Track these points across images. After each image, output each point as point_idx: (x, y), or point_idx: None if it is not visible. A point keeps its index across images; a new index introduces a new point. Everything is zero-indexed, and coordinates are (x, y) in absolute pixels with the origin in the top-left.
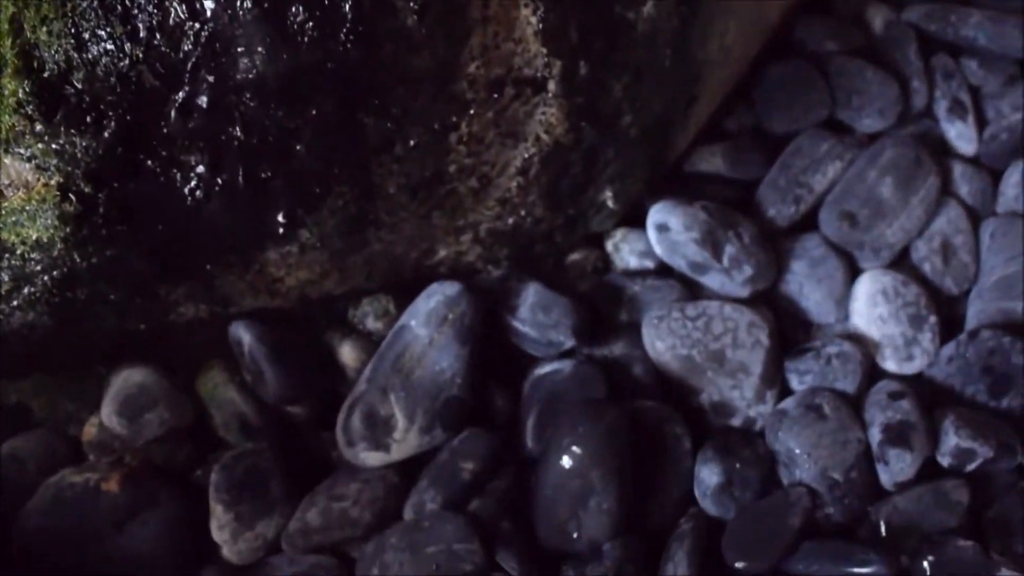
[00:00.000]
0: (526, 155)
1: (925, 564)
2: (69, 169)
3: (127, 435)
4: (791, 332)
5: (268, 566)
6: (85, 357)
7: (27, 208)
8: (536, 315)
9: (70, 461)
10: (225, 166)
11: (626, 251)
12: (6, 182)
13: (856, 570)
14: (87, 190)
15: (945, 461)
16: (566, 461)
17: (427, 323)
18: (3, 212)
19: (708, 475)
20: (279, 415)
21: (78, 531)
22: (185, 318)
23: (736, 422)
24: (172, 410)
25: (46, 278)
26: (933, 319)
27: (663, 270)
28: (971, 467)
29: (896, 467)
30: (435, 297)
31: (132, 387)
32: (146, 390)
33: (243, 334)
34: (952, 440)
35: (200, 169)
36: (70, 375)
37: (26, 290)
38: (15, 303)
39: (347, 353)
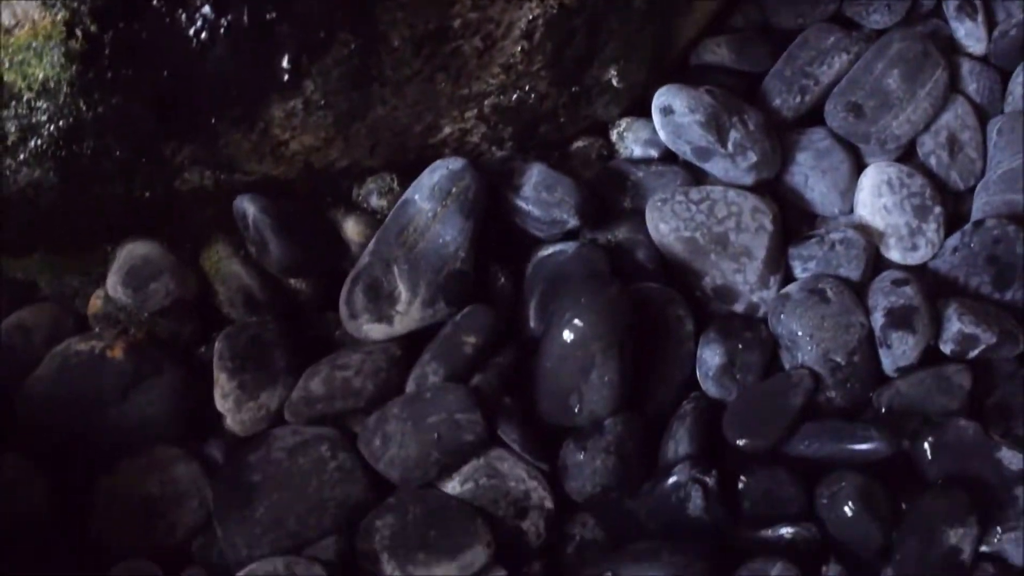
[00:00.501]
0: (531, 16)
1: (925, 445)
2: (75, 6)
3: (132, 305)
4: (795, 224)
5: (271, 437)
6: (91, 232)
7: (33, 45)
8: (540, 193)
9: (76, 333)
10: (230, 7)
11: (630, 139)
12: (12, 21)
13: (856, 447)
14: (93, 28)
15: (947, 348)
16: (568, 334)
17: (431, 197)
18: (10, 50)
19: (710, 356)
20: (283, 290)
21: (83, 398)
22: (190, 185)
23: (739, 308)
24: (177, 281)
25: (52, 128)
26: (938, 210)
27: (667, 157)
28: (973, 353)
29: (898, 350)
30: (439, 171)
31: (137, 258)
32: (151, 261)
33: (247, 206)
34: (955, 326)
35: (205, 9)
36: (76, 252)
37: (33, 142)
38: (21, 157)
39: (351, 228)
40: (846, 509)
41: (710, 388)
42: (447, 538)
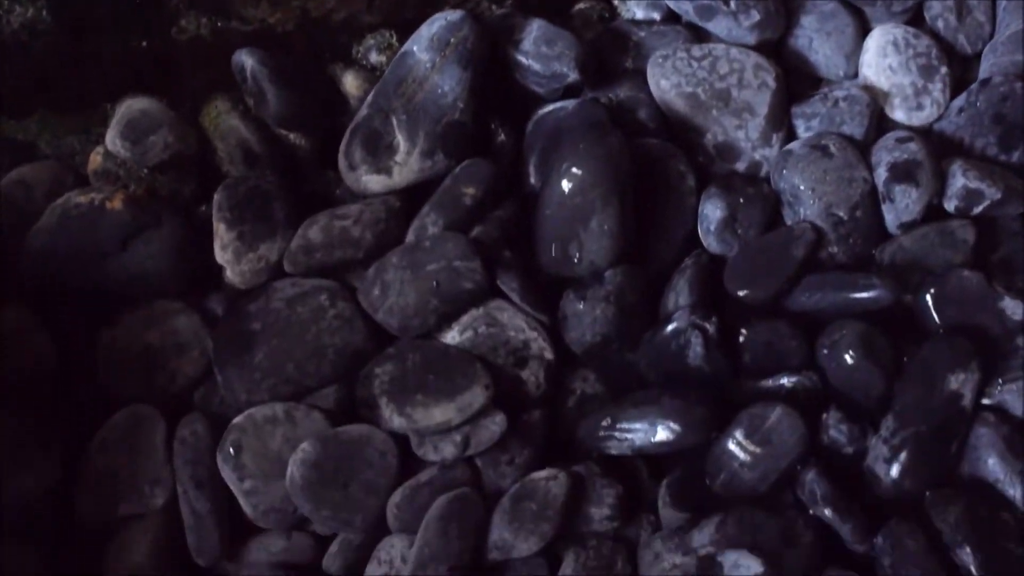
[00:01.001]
0: None
1: (928, 296)
2: None
3: (131, 159)
4: (799, 86)
5: (271, 289)
6: (90, 90)
7: None
8: (540, 47)
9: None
10: None
11: (632, 1)
12: None
13: (858, 295)
14: None
15: (951, 205)
16: (567, 182)
17: (430, 48)
18: None
19: (712, 211)
20: (282, 145)
21: (84, 249)
22: (187, 35)
23: (741, 166)
24: (176, 135)
25: None
26: (944, 70)
27: (670, 18)
28: (978, 209)
29: (901, 204)
30: (438, 23)
31: (136, 112)
32: (150, 115)
33: (246, 58)
34: (959, 182)
35: None
36: (75, 111)
37: None
38: None
39: (350, 83)
40: (847, 357)
41: (711, 243)
42: (445, 382)
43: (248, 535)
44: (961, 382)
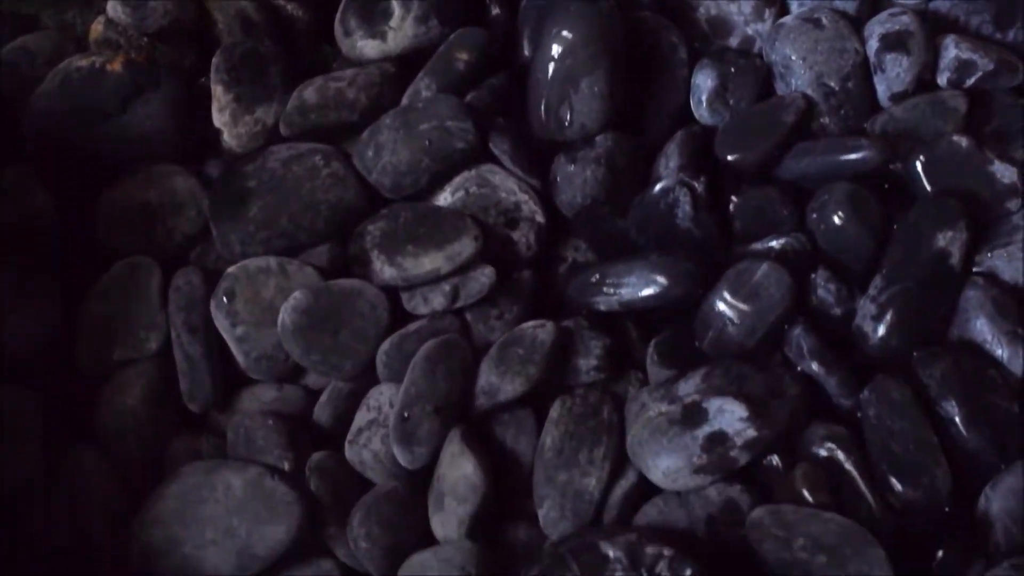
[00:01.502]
0: None
1: (917, 164)
2: None
3: (132, 25)
4: None
5: (267, 151)
6: None
7: None
8: None
9: None
10: None
11: None
12: None
13: (847, 157)
14: None
15: (944, 78)
16: (557, 46)
17: None
18: None
19: (703, 81)
20: (280, 16)
21: (85, 110)
22: None
23: (734, 41)
24: (176, 2)
25: None
26: None
27: None
28: (970, 81)
29: (892, 73)
30: None
31: None
32: None
33: None
34: (952, 53)
35: None
36: None
37: None
38: None
39: None
40: (835, 218)
41: (703, 114)
42: (436, 234)
43: (240, 387)
44: (949, 240)
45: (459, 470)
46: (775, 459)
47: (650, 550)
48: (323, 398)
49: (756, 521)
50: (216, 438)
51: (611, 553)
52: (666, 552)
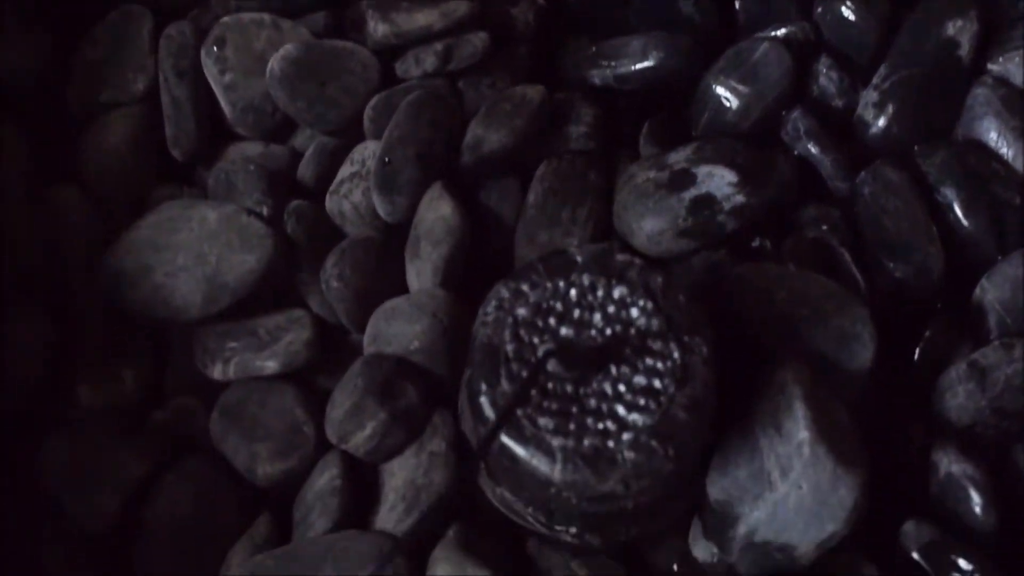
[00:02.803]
0: None
1: None
2: None
3: None
4: None
5: None
6: None
7: None
8: None
9: None
10: None
11: None
12: None
13: None
14: None
15: None
16: None
17: None
18: None
19: None
20: None
21: None
22: None
23: None
24: None
25: None
26: None
27: None
28: None
29: None
30: None
31: None
32: None
33: None
34: None
35: None
36: None
37: None
38: None
39: None
40: (843, 7)
41: None
42: None
43: (226, 143)
44: (958, 29)
45: (436, 212)
46: (764, 241)
47: (620, 257)
48: (307, 154)
49: (738, 275)
50: (198, 190)
51: (579, 258)
52: (637, 261)
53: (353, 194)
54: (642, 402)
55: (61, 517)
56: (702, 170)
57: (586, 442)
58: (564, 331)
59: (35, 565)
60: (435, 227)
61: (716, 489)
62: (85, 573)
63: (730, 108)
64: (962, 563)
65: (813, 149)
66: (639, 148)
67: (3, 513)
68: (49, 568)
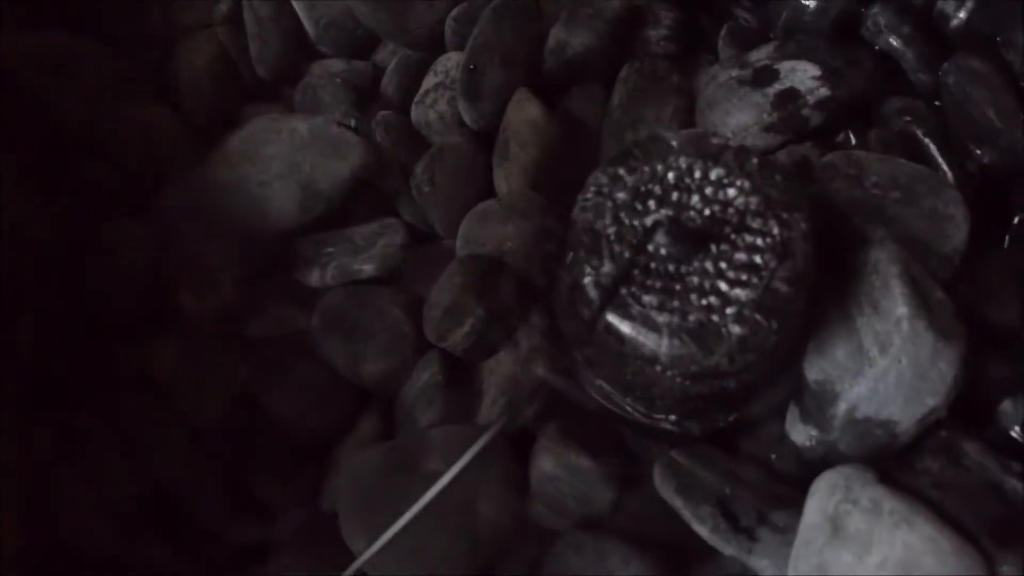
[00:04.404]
0: None
1: None
2: None
3: None
4: None
5: None
6: None
7: None
8: None
9: None
10: None
11: None
12: None
13: None
14: None
15: None
16: None
17: None
18: None
19: None
20: None
21: None
22: None
23: None
24: None
25: None
26: None
27: None
28: None
29: None
30: None
31: None
32: None
33: None
34: None
35: None
36: None
37: None
38: None
39: None
40: None
41: None
42: None
43: (310, 60)
44: None
45: (524, 114)
46: (849, 135)
47: (715, 140)
48: (389, 68)
49: (828, 162)
50: (285, 107)
51: (675, 143)
52: (732, 143)
53: (438, 103)
54: (744, 278)
55: (173, 414)
56: (785, 65)
57: (691, 317)
58: (663, 213)
59: (149, 456)
60: (522, 129)
61: (815, 370)
62: (195, 467)
63: (808, 7)
64: None
65: (895, 43)
66: (718, 51)
67: (118, 407)
68: (161, 459)
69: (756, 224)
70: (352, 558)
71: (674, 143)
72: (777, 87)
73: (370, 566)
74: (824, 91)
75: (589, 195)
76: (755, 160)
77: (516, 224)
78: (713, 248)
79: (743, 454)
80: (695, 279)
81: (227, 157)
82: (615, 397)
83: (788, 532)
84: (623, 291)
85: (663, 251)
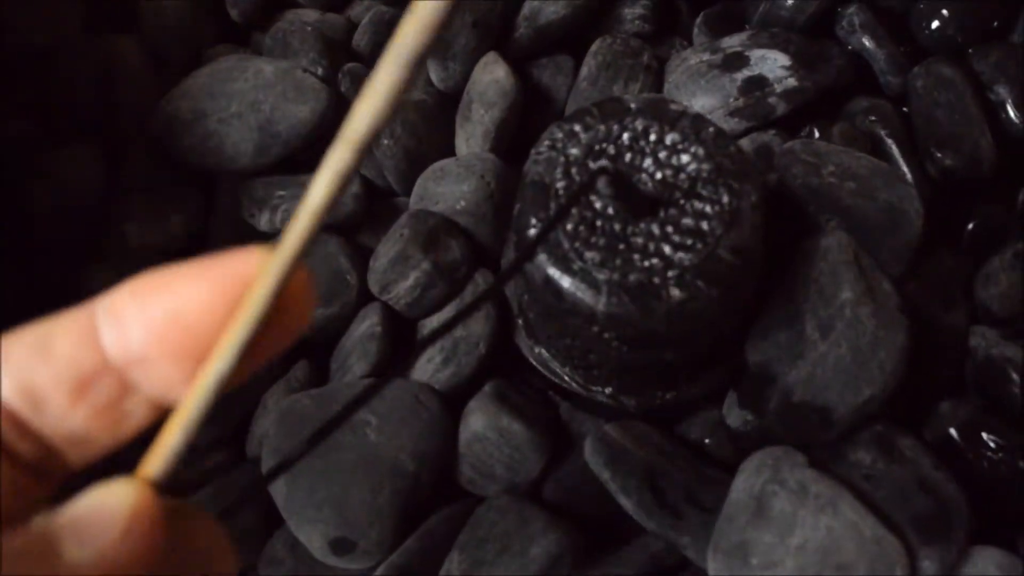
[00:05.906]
0: None
1: None
2: None
3: None
4: None
5: None
6: None
7: None
8: None
9: None
10: None
11: None
12: None
13: None
14: None
15: None
16: None
17: None
18: None
19: None
20: None
21: None
22: None
23: None
24: None
25: None
26: None
27: None
28: None
29: None
30: None
31: None
32: None
33: None
34: None
35: None
36: None
37: None
38: None
39: None
40: None
41: None
42: None
43: (285, 9)
44: None
45: (491, 75)
46: (814, 130)
47: (674, 106)
48: (363, 23)
49: (788, 149)
50: (254, 51)
51: (633, 105)
52: (690, 111)
53: None
54: (689, 242)
55: None
56: (756, 53)
57: (632, 277)
58: (610, 166)
59: None
60: (488, 90)
61: (755, 352)
62: None
63: (786, 2)
64: (997, 440)
65: (868, 43)
66: (692, 37)
67: None
68: None
69: (706, 192)
70: (271, 500)
71: (633, 105)
72: (746, 72)
73: (288, 513)
74: (792, 81)
75: (543, 149)
76: (711, 129)
77: (472, 185)
78: (662, 212)
79: (678, 436)
80: (640, 240)
81: (190, 91)
82: (553, 366)
83: (714, 512)
84: (566, 245)
85: (609, 209)
